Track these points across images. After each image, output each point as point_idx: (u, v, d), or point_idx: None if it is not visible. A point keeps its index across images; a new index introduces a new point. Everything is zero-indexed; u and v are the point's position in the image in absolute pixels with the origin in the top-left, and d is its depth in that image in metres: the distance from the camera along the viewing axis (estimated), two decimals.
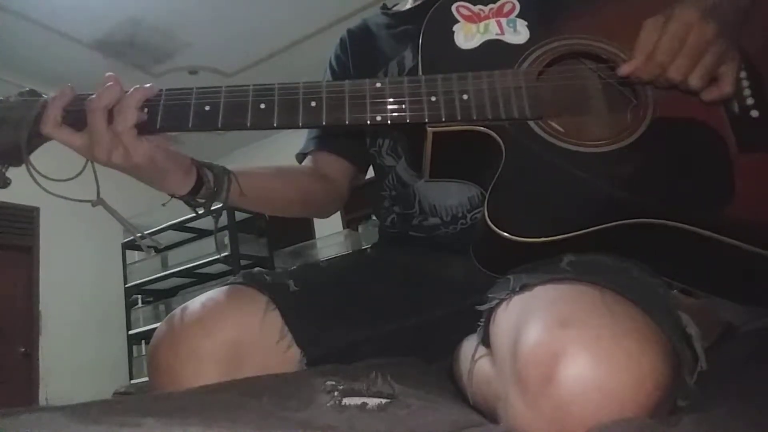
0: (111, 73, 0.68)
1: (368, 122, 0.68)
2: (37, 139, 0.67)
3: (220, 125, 0.68)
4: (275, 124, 0.68)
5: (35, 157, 0.68)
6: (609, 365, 0.44)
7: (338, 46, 1.03)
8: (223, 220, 3.67)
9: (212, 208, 0.76)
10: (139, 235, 0.76)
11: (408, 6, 0.98)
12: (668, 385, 0.46)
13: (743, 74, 0.69)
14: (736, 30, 0.66)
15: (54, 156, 0.77)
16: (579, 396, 0.44)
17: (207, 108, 0.68)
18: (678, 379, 0.50)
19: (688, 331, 0.55)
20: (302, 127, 0.69)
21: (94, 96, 0.65)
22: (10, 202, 3.53)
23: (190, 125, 0.68)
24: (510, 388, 0.49)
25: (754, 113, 0.69)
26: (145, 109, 0.67)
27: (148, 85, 0.68)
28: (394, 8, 1.02)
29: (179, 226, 3.80)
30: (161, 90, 0.69)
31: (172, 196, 0.74)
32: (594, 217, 0.62)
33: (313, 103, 0.68)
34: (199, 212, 0.75)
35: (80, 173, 0.68)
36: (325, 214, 1.00)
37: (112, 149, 0.65)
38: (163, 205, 0.77)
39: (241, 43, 3.70)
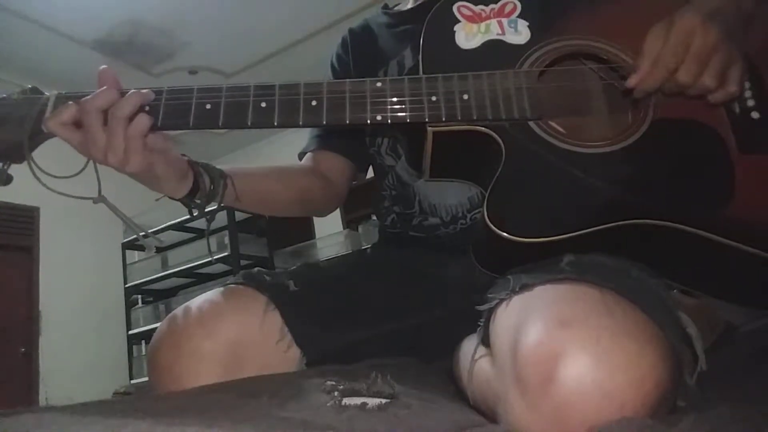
0: (105, 66, 0.68)
1: (368, 122, 0.68)
2: (39, 136, 0.67)
3: (221, 124, 0.68)
4: (276, 123, 0.68)
5: (37, 155, 0.68)
6: (609, 365, 0.44)
7: (340, 45, 1.03)
8: (223, 220, 3.67)
9: (207, 209, 0.76)
10: (143, 234, 0.75)
11: (409, 6, 0.98)
12: (668, 385, 0.46)
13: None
14: (738, 34, 0.66)
15: (56, 154, 0.77)
16: (579, 396, 0.44)
17: (208, 107, 0.68)
18: (678, 379, 0.50)
19: (688, 331, 0.55)
20: (303, 126, 0.70)
21: (89, 97, 0.65)
22: (10, 202, 3.53)
23: (190, 124, 0.68)
24: (510, 388, 0.49)
25: (755, 115, 0.69)
26: (147, 108, 0.67)
27: (145, 90, 0.67)
28: (395, 8, 1.02)
29: (179, 226, 3.80)
30: (162, 88, 0.69)
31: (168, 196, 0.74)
32: (594, 218, 0.62)
33: (314, 103, 0.68)
34: (194, 213, 0.75)
35: (82, 170, 0.67)
36: (324, 212, 1.00)
37: (107, 151, 0.64)
38: (157, 200, 0.76)
39: (241, 43, 3.70)
